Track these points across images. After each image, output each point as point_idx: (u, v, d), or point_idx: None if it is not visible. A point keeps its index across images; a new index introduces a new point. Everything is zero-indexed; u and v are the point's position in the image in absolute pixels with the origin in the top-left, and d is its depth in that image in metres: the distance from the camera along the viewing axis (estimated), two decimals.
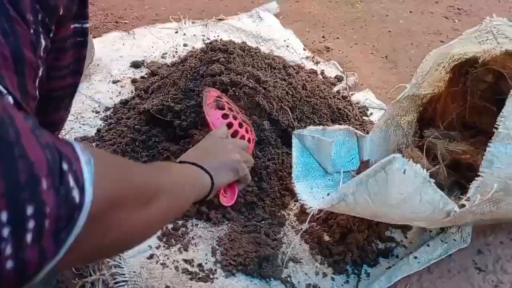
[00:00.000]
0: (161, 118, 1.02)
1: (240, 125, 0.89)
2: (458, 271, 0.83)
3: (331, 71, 1.30)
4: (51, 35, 0.51)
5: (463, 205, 0.72)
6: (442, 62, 0.86)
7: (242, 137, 0.89)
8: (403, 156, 0.67)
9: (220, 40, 1.11)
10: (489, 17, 0.72)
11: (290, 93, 1.04)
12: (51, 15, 0.49)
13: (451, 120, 0.85)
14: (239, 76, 0.98)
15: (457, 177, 0.81)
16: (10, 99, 0.41)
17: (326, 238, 0.89)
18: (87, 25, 0.59)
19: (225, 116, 0.89)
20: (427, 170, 0.77)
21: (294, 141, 0.89)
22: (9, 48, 0.42)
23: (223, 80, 0.98)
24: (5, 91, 0.41)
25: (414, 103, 0.93)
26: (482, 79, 0.80)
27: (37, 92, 0.49)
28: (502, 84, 0.77)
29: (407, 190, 0.70)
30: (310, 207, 0.77)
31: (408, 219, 0.75)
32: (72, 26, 0.56)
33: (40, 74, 0.49)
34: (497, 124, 0.69)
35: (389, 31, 1.51)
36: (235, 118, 0.89)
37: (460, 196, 0.73)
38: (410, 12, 1.62)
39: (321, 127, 0.89)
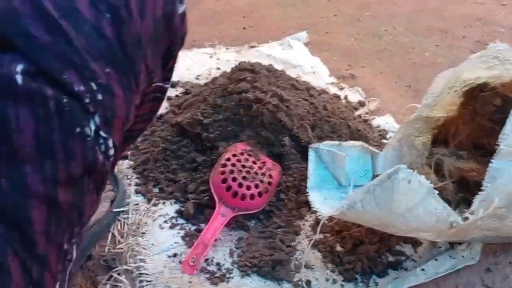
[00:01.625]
0: (191, 130, 1.11)
1: (240, 185, 0.97)
2: (465, 287, 0.86)
3: (354, 97, 1.37)
4: None
5: (467, 218, 0.75)
6: (454, 86, 0.92)
7: (243, 196, 0.96)
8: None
9: (249, 61, 1.20)
10: (493, 43, 0.78)
11: (311, 112, 1.11)
12: (149, 82, 0.58)
13: (461, 141, 0.89)
14: (263, 94, 1.06)
15: (466, 194, 0.85)
16: (112, 151, 0.52)
17: (339, 248, 0.93)
18: (168, 85, 0.65)
19: (224, 180, 0.98)
20: (434, 185, 0.82)
21: (311, 154, 0.96)
22: (125, 114, 0.52)
23: (248, 97, 1.06)
24: (111, 145, 0.51)
25: (428, 125, 0.98)
26: (491, 102, 0.85)
27: None
28: (509, 107, 0.81)
29: (412, 200, 0.74)
30: (322, 214, 0.82)
31: (414, 229, 0.79)
32: (154, 84, 0.62)
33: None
34: (499, 141, 0.73)
35: (414, 62, 1.57)
36: (234, 179, 0.97)
37: (465, 210, 0.77)
38: (437, 45, 1.68)
39: (337, 142, 0.95)
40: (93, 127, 0.49)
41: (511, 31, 1.77)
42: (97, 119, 0.49)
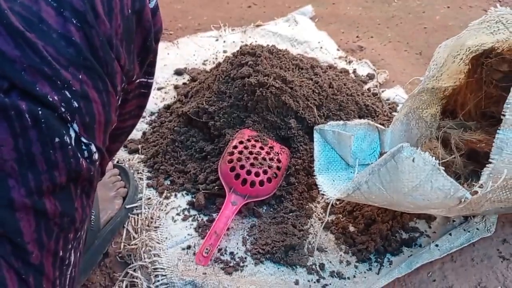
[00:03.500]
0: (197, 119, 1.11)
1: (248, 172, 0.97)
2: (481, 260, 0.84)
3: (363, 70, 1.34)
4: None
5: (476, 192, 0.73)
6: (458, 54, 0.88)
7: (253, 183, 0.96)
8: (422, 148, 0.70)
9: (250, 44, 1.17)
10: (493, 7, 0.74)
11: (317, 91, 1.09)
12: (128, 81, 0.60)
13: (469, 110, 0.86)
14: (266, 77, 1.05)
15: (476, 166, 0.83)
16: (96, 155, 0.53)
17: (351, 228, 0.93)
18: (152, 80, 0.68)
19: (232, 169, 0.98)
20: (442, 159, 0.80)
21: (316, 136, 0.94)
22: (104, 116, 0.53)
23: (251, 81, 1.05)
24: (94, 150, 0.53)
25: (436, 96, 0.95)
26: (497, 68, 0.81)
27: None
28: None
29: (418, 178, 0.73)
30: (329, 197, 0.82)
31: (422, 207, 0.78)
32: (137, 80, 0.64)
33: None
34: (504, 111, 0.70)
35: (425, 27, 1.52)
36: (242, 167, 0.97)
37: (474, 183, 0.75)
38: (448, 7, 1.61)
39: (342, 122, 0.93)
40: (73, 135, 0.49)
41: None
42: (76, 126, 0.49)
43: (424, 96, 0.94)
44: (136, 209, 0.99)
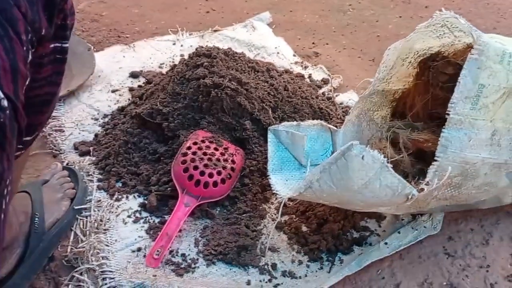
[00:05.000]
0: (151, 120, 1.09)
1: (202, 173, 0.96)
2: (428, 257, 0.86)
3: (318, 75, 1.36)
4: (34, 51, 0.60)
5: (422, 189, 0.75)
6: (407, 58, 0.91)
7: (206, 184, 0.95)
8: (372, 147, 0.72)
9: (206, 46, 1.17)
10: (438, 11, 0.77)
11: (272, 93, 1.10)
12: (36, 36, 0.58)
13: (417, 112, 0.89)
14: (222, 79, 1.04)
15: (423, 165, 0.85)
16: (6, 103, 0.51)
17: (304, 228, 0.93)
18: (67, 45, 0.67)
19: (185, 170, 0.97)
20: (391, 158, 0.82)
21: (270, 136, 0.95)
22: (9, 62, 0.52)
23: (206, 82, 1.04)
24: (2, 95, 0.50)
25: (386, 98, 0.98)
26: (443, 71, 0.84)
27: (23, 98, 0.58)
28: None
29: (367, 175, 0.74)
30: (281, 197, 0.82)
31: (372, 204, 0.79)
32: (51, 45, 0.64)
33: (27, 83, 0.58)
34: (448, 110, 0.73)
35: (378, 35, 1.56)
36: (195, 168, 0.96)
37: (421, 181, 0.77)
38: (400, 17, 1.67)
39: (295, 122, 0.94)
40: None
41: None
42: None
43: (375, 98, 0.96)
44: (85, 211, 0.96)
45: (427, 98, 0.88)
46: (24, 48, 0.55)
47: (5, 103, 0.51)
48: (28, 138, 0.67)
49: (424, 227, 0.88)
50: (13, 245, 0.83)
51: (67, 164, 1.08)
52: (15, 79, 0.53)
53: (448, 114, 0.73)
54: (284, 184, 0.89)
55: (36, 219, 0.87)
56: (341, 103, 1.23)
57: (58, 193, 0.95)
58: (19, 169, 0.81)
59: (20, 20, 0.54)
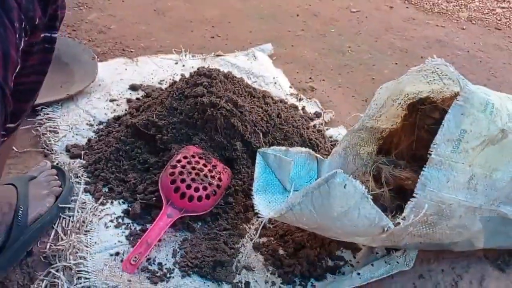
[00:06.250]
0: (145, 131, 1.12)
1: (188, 187, 0.98)
2: None
3: (312, 108, 1.40)
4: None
5: (398, 223, 0.78)
6: (397, 99, 0.95)
7: (191, 197, 0.97)
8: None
9: (207, 67, 1.22)
10: (431, 57, 0.82)
11: (265, 119, 1.14)
12: (30, 24, 0.61)
13: (401, 151, 0.93)
14: (219, 99, 1.08)
15: (402, 202, 0.88)
16: None
17: (281, 252, 0.95)
18: (56, 35, 0.70)
19: (173, 181, 0.99)
20: (372, 191, 0.85)
21: (258, 158, 0.98)
22: (1, 49, 0.54)
23: (203, 101, 1.08)
24: None
25: (373, 135, 1.02)
26: (429, 115, 0.89)
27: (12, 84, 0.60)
28: None
29: (347, 204, 0.77)
30: (263, 216, 0.84)
31: (349, 233, 0.81)
32: (42, 34, 0.67)
33: (17, 70, 0.60)
34: (430, 151, 0.76)
35: (373, 78, 1.62)
36: (183, 181, 0.98)
37: (398, 216, 0.80)
38: (396, 63, 1.73)
39: (284, 147, 0.97)
40: None
41: (467, 54, 1.85)
42: None
43: (363, 134, 1.00)
44: (69, 211, 0.98)
45: (412, 139, 0.92)
46: (17, 36, 0.57)
47: None
48: (11, 125, 0.68)
49: (397, 262, 0.90)
50: None
51: (57, 164, 1.10)
52: (6, 65, 0.56)
53: (430, 154, 0.76)
54: (266, 205, 0.92)
55: (20, 211, 0.88)
56: (330, 137, 1.27)
57: (44, 189, 0.96)
58: (3, 157, 0.82)
59: (15, 9, 0.56)
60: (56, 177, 1.01)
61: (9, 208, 0.88)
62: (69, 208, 0.98)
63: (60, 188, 0.98)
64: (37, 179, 0.98)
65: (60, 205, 0.96)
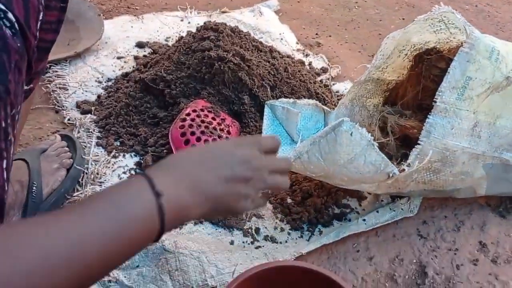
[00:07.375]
0: (154, 86, 1.13)
1: (198, 139, 0.99)
2: (402, 236, 0.92)
3: (318, 63, 1.41)
4: None
5: (403, 170, 0.81)
6: (404, 49, 0.96)
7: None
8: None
9: (214, 21, 1.22)
10: (437, 5, 0.82)
11: (272, 73, 1.15)
12: None
13: (407, 101, 0.94)
14: (226, 53, 1.09)
15: (407, 150, 0.90)
16: (11, 15, 0.51)
17: (289, 200, 0.98)
18: None
19: (182, 134, 1.00)
20: (378, 140, 0.87)
21: (266, 110, 0.99)
22: None
23: (210, 55, 1.09)
24: (14, 19, 0.51)
25: (380, 87, 1.03)
26: (435, 65, 0.90)
27: (37, 34, 0.60)
28: None
29: (353, 151, 0.79)
30: None
31: (355, 180, 0.84)
32: None
33: (40, 18, 0.59)
34: (435, 98, 0.78)
35: (380, 33, 1.61)
36: (192, 134, 1.00)
37: (403, 163, 0.82)
38: (403, 19, 1.72)
39: (292, 99, 0.99)
40: None
41: (475, 8, 1.83)
42: None
43: (369, 86, 1.01)
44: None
45: (418, 89, 0.93)
46: None
47: (17, 26, 0.51)
48: (26, 87, 0.65)
49: (402, 209, 0.93)
50: (9, 213, 0.84)
51: (67, 120, 1.12)
52: (26, 6, 0.54)
53: (435, 102, 0.78)
54: None
55: (34, 188, 0.88)
56: (337, 91, 1.28)
57: (54, 163, 0.95)
58: (21, 121, 0.81)
59: None
60: (67, 148, 0.99)
61: (21, 186, 0.88)
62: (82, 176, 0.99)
63: (71, 160, 0.98)
64: (47, 153, 0.96)
65: (77, 167, 0.97)
